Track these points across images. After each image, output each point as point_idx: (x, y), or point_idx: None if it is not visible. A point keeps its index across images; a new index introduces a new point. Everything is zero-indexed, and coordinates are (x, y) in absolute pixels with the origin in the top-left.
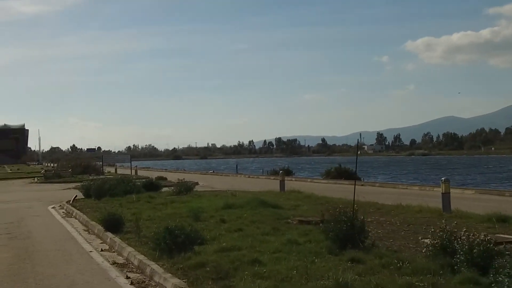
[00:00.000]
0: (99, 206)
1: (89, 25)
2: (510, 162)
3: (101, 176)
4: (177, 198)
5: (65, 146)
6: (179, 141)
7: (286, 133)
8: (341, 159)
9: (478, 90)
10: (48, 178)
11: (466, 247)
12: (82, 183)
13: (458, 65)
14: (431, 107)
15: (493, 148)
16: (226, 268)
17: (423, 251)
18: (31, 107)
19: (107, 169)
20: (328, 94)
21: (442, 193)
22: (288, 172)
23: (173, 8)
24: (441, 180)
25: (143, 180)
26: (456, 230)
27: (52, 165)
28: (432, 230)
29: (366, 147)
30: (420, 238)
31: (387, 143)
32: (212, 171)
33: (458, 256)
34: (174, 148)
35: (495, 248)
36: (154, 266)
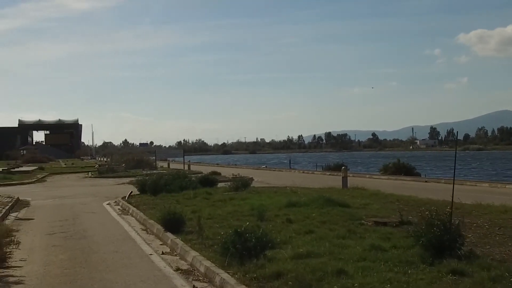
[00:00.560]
0: (156, 203)
1: (141, 20)
2: None
3: (154, 171)
4: (235, 194)
5: (117, 141)
6: (228, 136)
7: (336, 128)
8: (392, 154)
9: None
10: (102, 172)
11: None
12: (137, 178)
13: None
14: (484, 101)
15: None
16: (308, 280)
17: None
18: (84, 102)
19: (159, 163)
20: (378, 87)
21: None
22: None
23: (222, 3)
24: None
25: (198, 175)
26: None
27: (105, 159)
28: None
29: (418, 141)
30: None
31: (440, 137)
32: (265, 166)
33: None
34: (224, 143)
35: None
36: (224, 275)
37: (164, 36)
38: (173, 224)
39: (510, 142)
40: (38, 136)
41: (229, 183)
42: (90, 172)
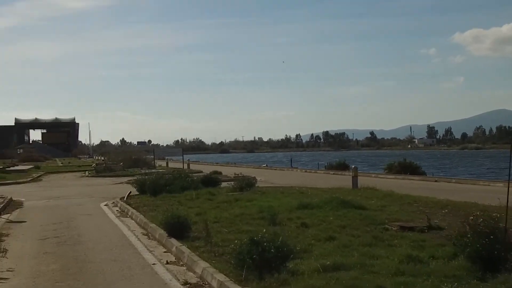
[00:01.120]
0: (157, 204)
1: (134, 19)
2: None
3: (153, 170)
4: (240, 195)
5: (114, 140)
6: (226, 135)
7: (333, 127)
8: (392, 153)
9: None
10: (99, 171)
11: None
12: (136, 178)
13: (508, 57)
14: (481, 100)
15: None
16: None
17: None
18: (80, 101)
19: (158, 162)
20: (375, 87)
21: None
22: (345, 167)
23: (216, 2)
24: None
25: (199, 174)
26: None
27: (102, 158)
28: None
29: (416, 140)
30: None
31: (437, 136)
32: (265, 165)
33: None
34: (221, 141)
35: None
36: None
37: (158, 35)
38: (177, 228)
39: (508, 141)
40: (35, 135)
41: (232, 183)
42: (87, 171)
